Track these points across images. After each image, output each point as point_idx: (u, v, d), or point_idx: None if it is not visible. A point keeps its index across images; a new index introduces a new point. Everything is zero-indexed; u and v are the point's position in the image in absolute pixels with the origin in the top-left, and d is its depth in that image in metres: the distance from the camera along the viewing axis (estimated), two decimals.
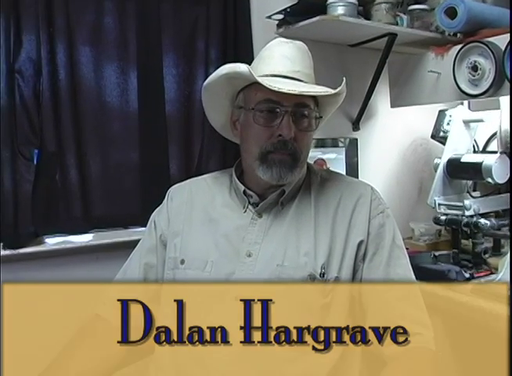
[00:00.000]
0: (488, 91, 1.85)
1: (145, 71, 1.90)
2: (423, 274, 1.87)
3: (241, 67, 1.25)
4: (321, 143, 2.21)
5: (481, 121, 2.17)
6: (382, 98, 2.35)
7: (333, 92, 1.28)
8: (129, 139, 1.92)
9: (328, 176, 1.44)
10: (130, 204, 1.94)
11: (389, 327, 1.24)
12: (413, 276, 1.36)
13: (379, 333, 1.25)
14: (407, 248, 2.25)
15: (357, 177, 2.29)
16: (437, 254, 2.08)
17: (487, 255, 2.07)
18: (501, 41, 1.82)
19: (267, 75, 1.30)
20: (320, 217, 1.34)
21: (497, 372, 1.12)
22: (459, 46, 1.96)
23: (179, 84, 1.99)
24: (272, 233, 1.33)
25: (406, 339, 1.22)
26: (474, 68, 1.87)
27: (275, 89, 1.20)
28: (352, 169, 2.27)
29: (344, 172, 2.25)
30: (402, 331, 1.23)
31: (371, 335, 1.26)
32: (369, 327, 1.26)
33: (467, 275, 1.91)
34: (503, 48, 1.79)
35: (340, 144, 2.26)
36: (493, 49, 1.82)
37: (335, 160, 2.24)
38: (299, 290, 1.27)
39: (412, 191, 2.39)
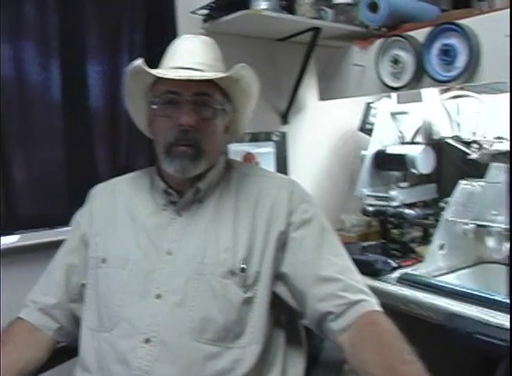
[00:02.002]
0: (409, 84, 1.89)
1: (68, 68, 1.86)
2: None
3: (137, 62, 1.27)
4: (250, 138, 2.21)
5: (405, 113, 2.22)
6: (311, 91, 2.37)
7: (221, 75, 1.29)
8: (55, 138, 1.87)
9: (248, 171, 1.46)
10: (57, 204, 1.90)
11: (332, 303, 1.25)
12: (345, 255, 1.37)
13: (322, 313, 1.26)
14: None
15: (286, 171, 2.31)
16: (365, 244, 2.11)
17: (415, 244, 2.12)
18: (421, 34, 1.86)
19: (169, 68, 1.32)
20: (240, 213, 1.35)
21: (422, 358, 1.16)
22: (382, 40, 1.99)
23: (104, 81, 1.96)
24: (191, 230, 1.34)
25: (348, 309, 1.23)
26: (395, 61, 1.91)
27: (161, 75, 1.25)
28: (282, 163, 2.29)
29: (273, 166, 2.27)
30: (344, 302, 1.24)
31: (316, 316, 1.28)
32: (313, 309, 1.28)
33: (395, 264, 1.95)
34: (423, 42, 1.83)
35: (269, 138, 2.28)
36: (413, 43, 1.85)
37: (264, 154, 2.25)
38: (220, 286, 1.28)
39: (343, 183, 2.42)
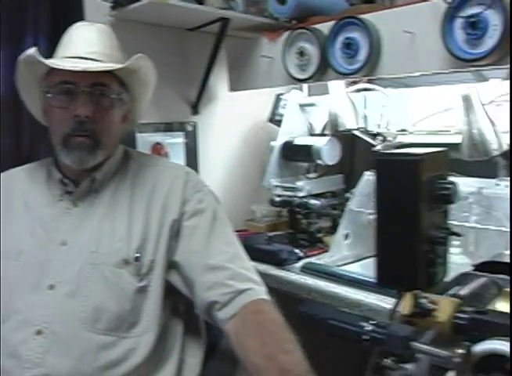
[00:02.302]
0: (314, 76, 1.91)
1: None
2: (257, 255, 1.92)
3: (30, 50, 1.25)
4: (159, 128, 2.19)
5: (313, 105, 2.25)
6: (222, 82, 2.36)
7: (118, 66, 1.28)
8: None
9: (146, 162, 1.45)
10: None
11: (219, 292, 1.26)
12: (237, 244, 1.38)
13: (209, 301, 1.27)
14: (246, 230, 2.32)
15: (197, 161, 2.31)
16: (272, 234, 2.14)
17: (321, 234, 2.16)
18: (326, 27, 1.88)
19: (64, 58, 1.29)
20: (136, 202, 1.35)
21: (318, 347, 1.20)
22: (289, 32, 2.01)
23: (7, 68, 1.89)
24: (86, 220, 1.33)
25: (234, 298, 1.24)
26: (301, 54, 1.93)
27: (55, 66, 1.22)
28: (192, 154, 2.29)
29: (183, 157, 2.26)
30: (231, 291, 1.25)
31: (204, 305, 1.29)
32: (201, 297, 1.29)
33: (301, 254, 1.98)
34: (328, 35, 1.85)
35: (180, 128, 2.26)
36: (318, 36, 1.88)
37: (174, 144, 2.24)
38: (113, 275, 1.27)
39: (254, 174, 2.43)
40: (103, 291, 1.26)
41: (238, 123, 2.50)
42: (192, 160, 2.29)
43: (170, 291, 1.34)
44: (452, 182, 0.96)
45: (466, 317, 0.73)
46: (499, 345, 0.67)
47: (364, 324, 0.72)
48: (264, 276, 1.85)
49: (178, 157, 2.24)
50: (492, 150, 1.77)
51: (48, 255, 1.29)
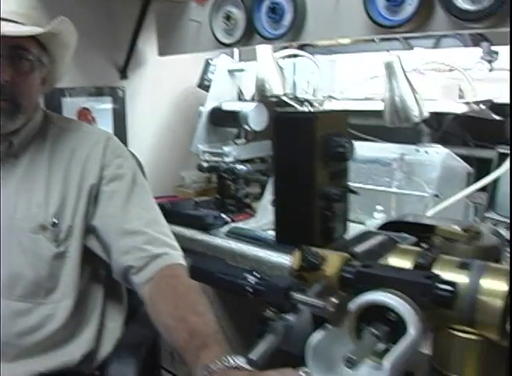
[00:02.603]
0: (240, 40, 1.90)
1: None
2: (184, 220, 1.94)
3: None
4: (86, 92, 2.16)
5: (242, 70, 2.25)
6: (151, 46, 2.33)
7: (38, 31, 1.23)
8: None
9: (67, 126, 1.42)
10: None
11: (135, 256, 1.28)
12: (156, 209, 1.39)
13: (125, 266, 1.29)
14: (175, 196, 2.32)
15: (125, 127, 2.28)
16: (199, 200, 2.15)
17: (249, 200, 2.18)
18: None
19: None
20: (54, 167, 1.33)
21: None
22: None
23: None
24: (4, 186, 1.29)
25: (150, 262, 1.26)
26: (228, 18, 1.91)
27: None
28: (120, 119, 2.26)
29: (111, 122, 2.23)
30: (146, 255, 1.27)
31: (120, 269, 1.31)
32: (117, 262, 1.30)
33: (228, 219, 1.99)
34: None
35: (107, 93, 2.23)
36: (244, 0, 1.86)
37: (101, 110, 2.21)
38: (30, 241, 1.26)
39: (184, 140, 2.41)
40: (19, 257, 1.24)
41: (168, 88, 2.48)
42: (120, 125, 2.26)
43: (89, 256, 1.34)
44: (348, 141, 0.98)
45: (352, 271, 0.76)
46: (379, 296, 0.70)
47: (248, 276, 0.73)
48: (190, 240, 1.89)
49: (106, 123, 2.21)
50: (413, 116, 1.81)
51: None
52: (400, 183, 1.81)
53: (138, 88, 2.36)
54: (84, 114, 2.14)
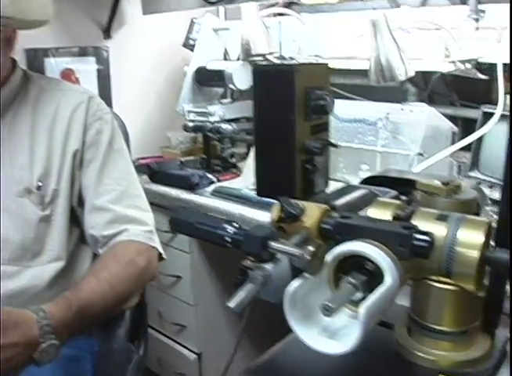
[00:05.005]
0: None
1: None
2: (169, 180, 1.94)
3: None
4: (69, 52, 2.13)
5: (227, 29, 2.22)
6: (135, 5, 2.30)
7: None
8: None
9: (48, 85, 1.39)
10: None
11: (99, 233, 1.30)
12: (133, 178, 1.39)
13: (93, 239, 1.32)
14: (161, 156, 2.32)
15: (110, 87, 2.26)
16: (185, 160, 2.14)
17: (234, 159, 2.18)
18: None
19: None
20: (37, 129, 1.30)
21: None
22: None
23: None
24: None
25: (110, 239, 1.28)
26: None
27: None
28: (104, 79, 2.25)
29: (95, 82, 2.21)
30: (108, 234, 1.29)
31: (90, 241, 1.33)
32: (87, 233, 1.32)
33: (214, 179, 2.00)
34: None
35: (91, 53, 2.20)
36: None
37: (85, 70, 2.18)
38: (15, 204, 1.25)
39: (170, 100, 2.39)
40: (5, 221, 1.24)
41: (153, 48, 2.45)
42: (104, 86, 2.24)
43: (78, 219, 1.34)
44: (328, 94, 0.97)
45: (331, 222, 0.76)
46: (357, 246, 0.71)
47: (227, 227, 0.74)
48: (176, 200, 1.89)
49: (90, 84, 2.19)
50: (398, 75, 1.80)
51: None
52: (385, 142, 1.81)
53: (122, 48, 2.33)
54: (68, 75, 2.12)
